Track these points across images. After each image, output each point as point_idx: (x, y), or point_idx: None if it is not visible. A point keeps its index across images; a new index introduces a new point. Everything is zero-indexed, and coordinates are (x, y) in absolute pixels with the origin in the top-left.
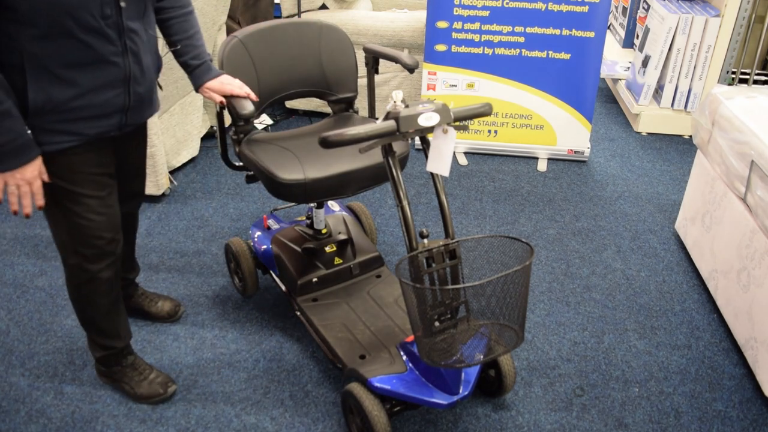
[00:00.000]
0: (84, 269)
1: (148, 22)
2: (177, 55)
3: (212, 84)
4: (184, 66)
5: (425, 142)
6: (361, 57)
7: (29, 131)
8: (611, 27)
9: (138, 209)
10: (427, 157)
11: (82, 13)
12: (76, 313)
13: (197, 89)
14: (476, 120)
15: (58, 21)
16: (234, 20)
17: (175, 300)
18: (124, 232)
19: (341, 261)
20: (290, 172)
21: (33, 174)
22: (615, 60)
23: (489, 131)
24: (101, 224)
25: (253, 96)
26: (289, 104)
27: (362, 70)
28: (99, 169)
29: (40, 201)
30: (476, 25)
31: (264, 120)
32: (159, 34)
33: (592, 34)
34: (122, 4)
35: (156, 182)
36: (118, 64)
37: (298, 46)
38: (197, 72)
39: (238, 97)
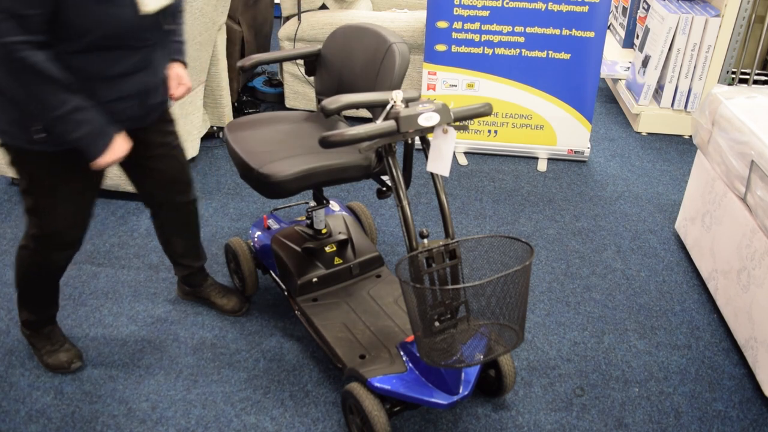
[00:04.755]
0: (40, 252)
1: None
2: None
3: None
4: None
5: (425, 142)
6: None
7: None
8: (611, 27)
9: (182, 200)
10: (427, 157)
11: (129, 38)
12: (16, 280)
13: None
14: (476, 120)
15: (103, 41)
16: (234, 20)
17: (243, 297)
18: (175, 224)
19: (341, 261)
20: (266, 165)
21: (120, 152)
22: (615, 60)
23: (489, 131)
24: (68, 220)
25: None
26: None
27: None
28: (82, 172)
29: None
30: (476, 25)
31: None
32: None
33: (592, 34)
34: (165, 27)
35: None
36: (139, 78)
37: (365, 52)
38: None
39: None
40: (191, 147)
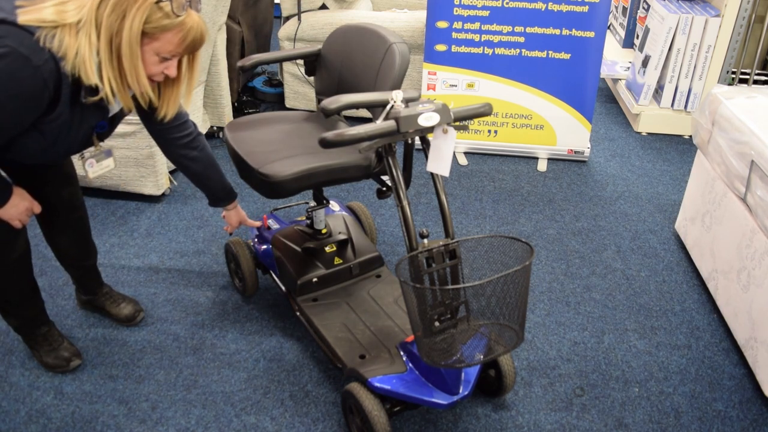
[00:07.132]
0: None
1: None
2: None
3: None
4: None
5: (425, 142)
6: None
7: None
8: (611, 27)
9: (65, 193)
10: (427, 157)
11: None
12: None
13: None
14: (476, 120)
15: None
16: (234, 20)
17: (138, 305)
18: (58, 212)
19: (341, 261)
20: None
21: (19, 210)
22: (615, 60)
23: (489, 131)
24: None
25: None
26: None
27: None
28: None
29: (37, 210)
30: (476, 25)
31: None
32: None
33: (592, 34)
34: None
35: (156, 182)
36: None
37: (363, 54)
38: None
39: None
40: None
